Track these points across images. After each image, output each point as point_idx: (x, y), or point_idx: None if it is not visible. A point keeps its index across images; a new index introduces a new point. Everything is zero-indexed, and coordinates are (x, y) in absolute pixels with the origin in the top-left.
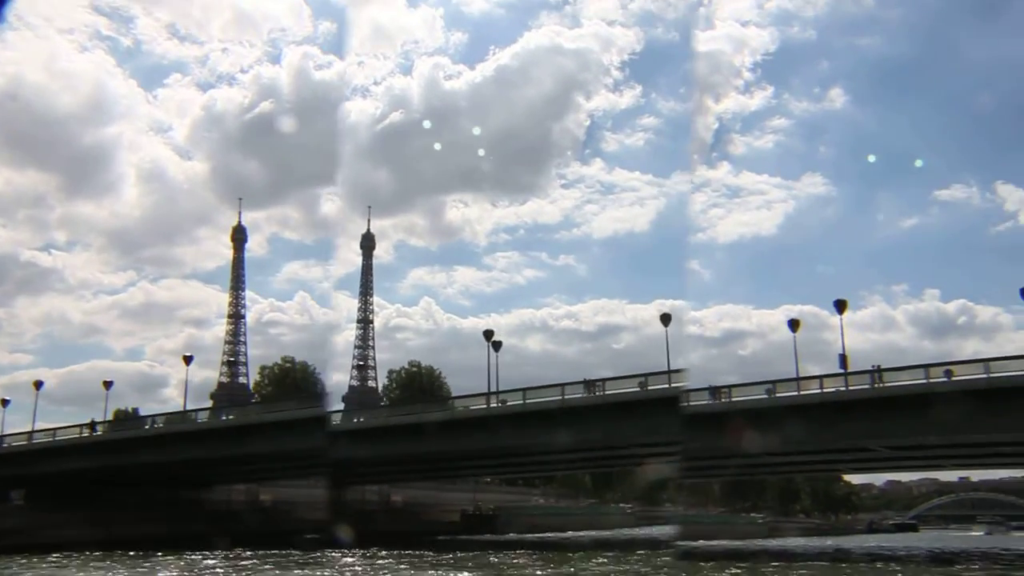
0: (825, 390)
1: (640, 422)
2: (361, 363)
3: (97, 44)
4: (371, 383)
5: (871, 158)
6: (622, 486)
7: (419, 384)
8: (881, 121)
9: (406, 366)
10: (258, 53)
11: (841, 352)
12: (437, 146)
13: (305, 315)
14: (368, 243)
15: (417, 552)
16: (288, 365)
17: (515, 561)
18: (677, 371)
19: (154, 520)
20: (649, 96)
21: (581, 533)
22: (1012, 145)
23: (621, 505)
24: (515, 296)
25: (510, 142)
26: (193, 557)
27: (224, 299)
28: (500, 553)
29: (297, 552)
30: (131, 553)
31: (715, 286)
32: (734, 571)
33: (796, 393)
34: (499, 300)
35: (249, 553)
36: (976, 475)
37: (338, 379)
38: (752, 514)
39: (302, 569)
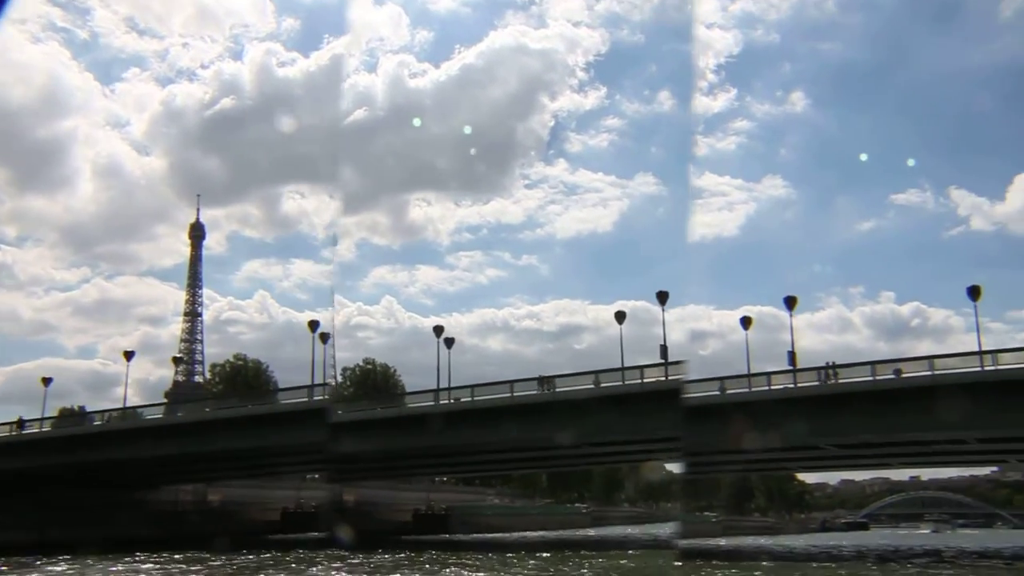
0: (773, 387)
1: (591, 419)
2: (183, 357)
3: (51, 35)
4: (197, 378)
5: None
6: (579, 486)
7: (244, 379)
8: (841, 125)
9: (231, 359)
10: (220, 49)
11: (790, 349)
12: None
13: (264, 314)
14: (197, 232)
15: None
16: (240, 363)
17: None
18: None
19: (93, 522)
20: (613, 98)
21: (529, 533)
22: (965, 151)
23: (577, 505)
24: (477, 296)
25: (474, 141)
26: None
27: (181, 297)
28: (444, 553)
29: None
30: (65, 557)
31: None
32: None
33: (747, 390)
34: (461, 299)
35: (176, 556)
36: (926, 474)
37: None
38: (706, 513)
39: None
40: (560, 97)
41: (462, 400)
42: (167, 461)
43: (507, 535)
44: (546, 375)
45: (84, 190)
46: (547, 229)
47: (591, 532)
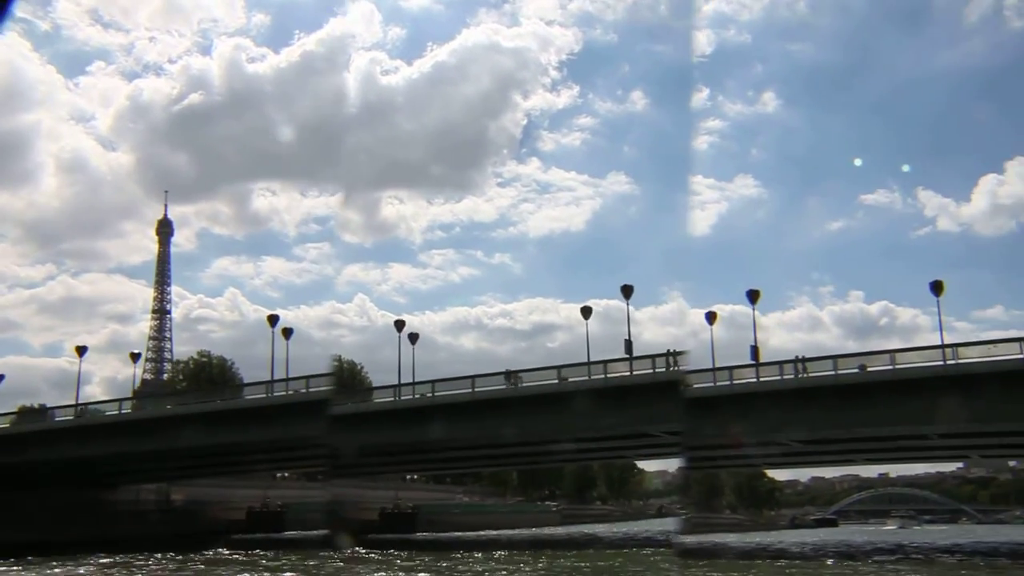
0: (735, 382)
1: (558, 415)
2: (142, 353)
3: (10, 26)
4: (166, 376)
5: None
6: (550, 484)
7: (208, 375)
8: (811, 126)
9: (195, 356)
10: (187, 43)
11: (753, 344)
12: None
13: (235, 312)
14: (165, 229)
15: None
16: (204, 359)
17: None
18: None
19: (48, 523)
20: (586, 96)
21: (493, 532)
22: (932, 152)
23: (547, 503)
24: (450, 294)
25: (447, 139)
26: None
27: (150, 294)
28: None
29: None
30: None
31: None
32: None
33: (712, 384)
34: (434, 298)
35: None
36: (895, 471)
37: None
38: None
39: None
40: (533, 96)
41: (426, 395)
42: (125, 459)
43: (468, 534)
44: (512, 369)
45: (48, 185)
46: (520, 228)
47: (559, 530)
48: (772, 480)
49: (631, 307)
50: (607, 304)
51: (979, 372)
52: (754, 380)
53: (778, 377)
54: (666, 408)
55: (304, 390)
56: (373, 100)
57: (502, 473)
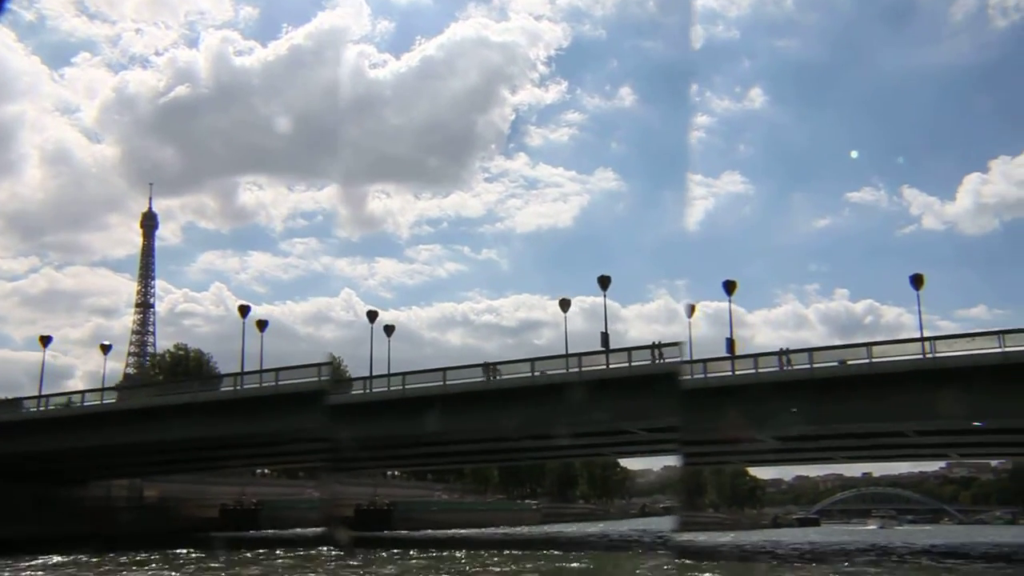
0: (709, 375)
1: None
2: (137, 349)
3: None
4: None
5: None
6: (532, 481)
7: (184, 369)
8: (798, 122)
9: (171, 349)
10: (174, 36)
11: (728, 336)
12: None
13: (221, 307)
14: (149, 222)
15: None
16: (181, 353)
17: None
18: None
19: (11, 520)
20: (575, 92)
21: (470, 531)
22: (918, 150)
23: (527, 502)
24: (436, 289)
25: (434, 134)
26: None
27: (134, 288)
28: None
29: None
30: None
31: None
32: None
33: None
34: (420, 293)
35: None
36: (878, 470)
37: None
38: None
39: None
40: (521, 91)
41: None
42: (93, 453)
43: (443, 532)
44: (490, 362)
45: (32, 177)
46: (507, 223)
47: (537, 529)
48: (754, 478)
49: (617, 304)
50: (594, 301)
51: (957, 367)
52: (729, 374)
53: (752, 371)
54: (658, 402)
55: (297, 380)
56: (361, 94)
57: (483, 470)
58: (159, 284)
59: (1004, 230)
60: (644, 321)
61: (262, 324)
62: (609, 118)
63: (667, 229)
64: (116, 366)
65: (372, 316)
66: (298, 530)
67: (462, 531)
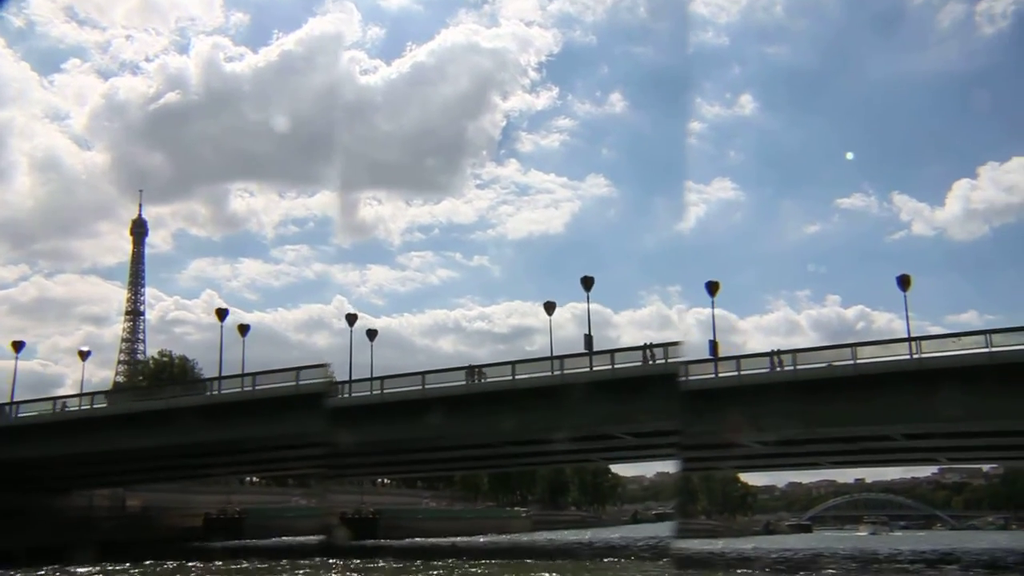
0: (691, 377)
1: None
2: (127, 357)
3: None
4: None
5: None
6: (522, 488)
7: (169, 375)
8: (787, 128)
9: (155, 356)
10: (165, 42)
11: (711, 339)
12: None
13: (212, 314)
14: (139, 229)
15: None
16: (165, 359)
17: None
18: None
19: None
20: (565, 98)
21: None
22: (907, 156)
23: (517, 509)
24: (428, 296)
25: (425, 140)
26: None
27: (124, 296)
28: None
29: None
30: None
31: (629, 289)
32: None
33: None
34: (412, 300)
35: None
36: (871, 476)
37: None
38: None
39: None
40: (512, 97)
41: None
42: (69, 461)
43: (429, 540)
44: (475, 364)
45: (21, 184)
46: (499, 230)
47: (526, 537)
48: (745, 485)
49: (610, 310)
50: (585, 307)
51: (943, 367)
52: (712, 376)
53: (734, 373)
54: (654, 404)
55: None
56: (352, 100)
57: (473, 478)
58: (149, 292)
59: (993, 236)
60: (636, 327)
61: (244, 328)
62: (600, 124)
63: (659, 235)
64: (107, 374)
65: (351, 319)
66: (285, 538)
67: (449, 539)
